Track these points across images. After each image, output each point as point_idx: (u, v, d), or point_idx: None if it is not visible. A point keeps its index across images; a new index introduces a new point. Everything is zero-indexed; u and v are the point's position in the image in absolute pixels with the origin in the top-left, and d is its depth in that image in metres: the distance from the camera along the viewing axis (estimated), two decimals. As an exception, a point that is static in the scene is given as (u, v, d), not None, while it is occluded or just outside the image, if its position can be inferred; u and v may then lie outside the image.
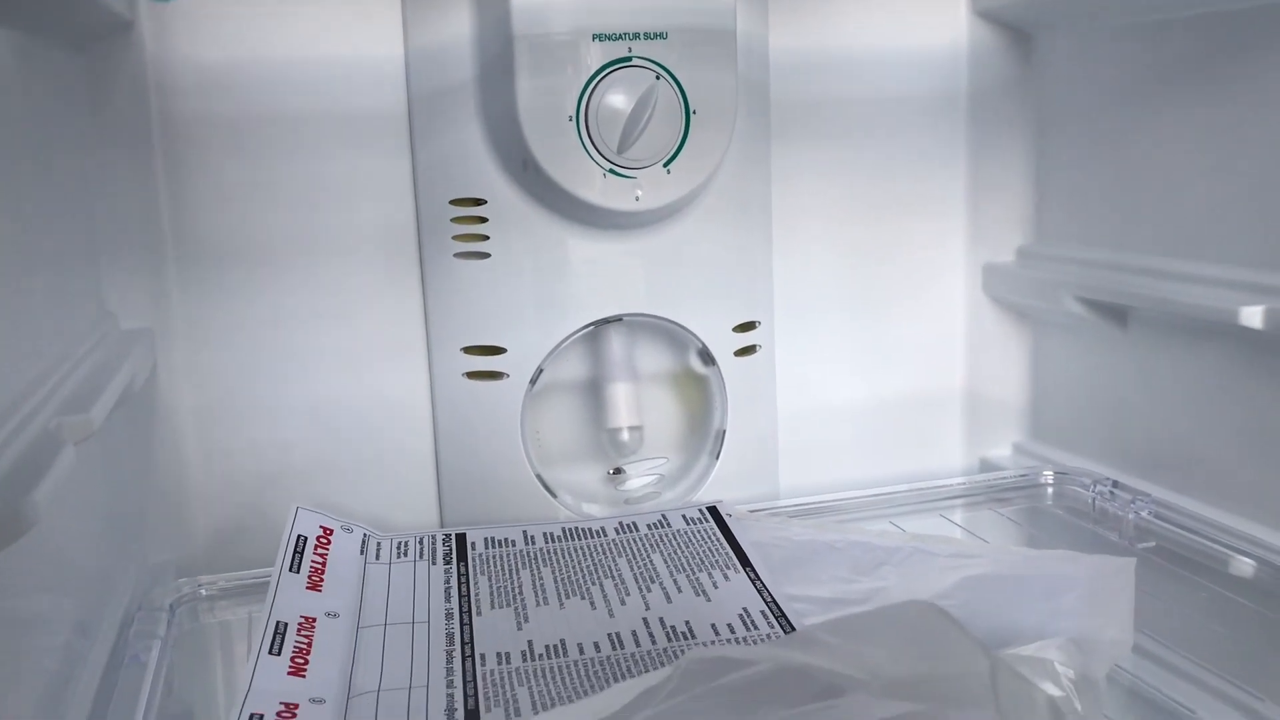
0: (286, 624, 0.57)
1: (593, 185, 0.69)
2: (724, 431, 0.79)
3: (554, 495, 0.76)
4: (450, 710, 0.50)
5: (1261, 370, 0.66)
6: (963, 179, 0.85)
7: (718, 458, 0.79)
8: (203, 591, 0.64)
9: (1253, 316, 0.63)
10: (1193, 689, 0.53)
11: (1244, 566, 0.64)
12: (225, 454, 0.74)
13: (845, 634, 0.38)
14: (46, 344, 0.55)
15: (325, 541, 0.65)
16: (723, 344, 0.77)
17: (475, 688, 0.52)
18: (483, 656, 0.56)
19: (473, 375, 0.74)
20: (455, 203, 0.72)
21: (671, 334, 0.77)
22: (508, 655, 0.56)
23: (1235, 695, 0.53)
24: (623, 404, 0.76)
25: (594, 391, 0.77)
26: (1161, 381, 0.74)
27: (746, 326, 0.78)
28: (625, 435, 0.76)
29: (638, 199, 0.69)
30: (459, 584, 0.63)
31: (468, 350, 0.74)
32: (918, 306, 0.86)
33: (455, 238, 0.72)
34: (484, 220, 0.71)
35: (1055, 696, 0.35)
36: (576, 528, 0.70)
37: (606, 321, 0.74)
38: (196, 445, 0.73)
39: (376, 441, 0.76)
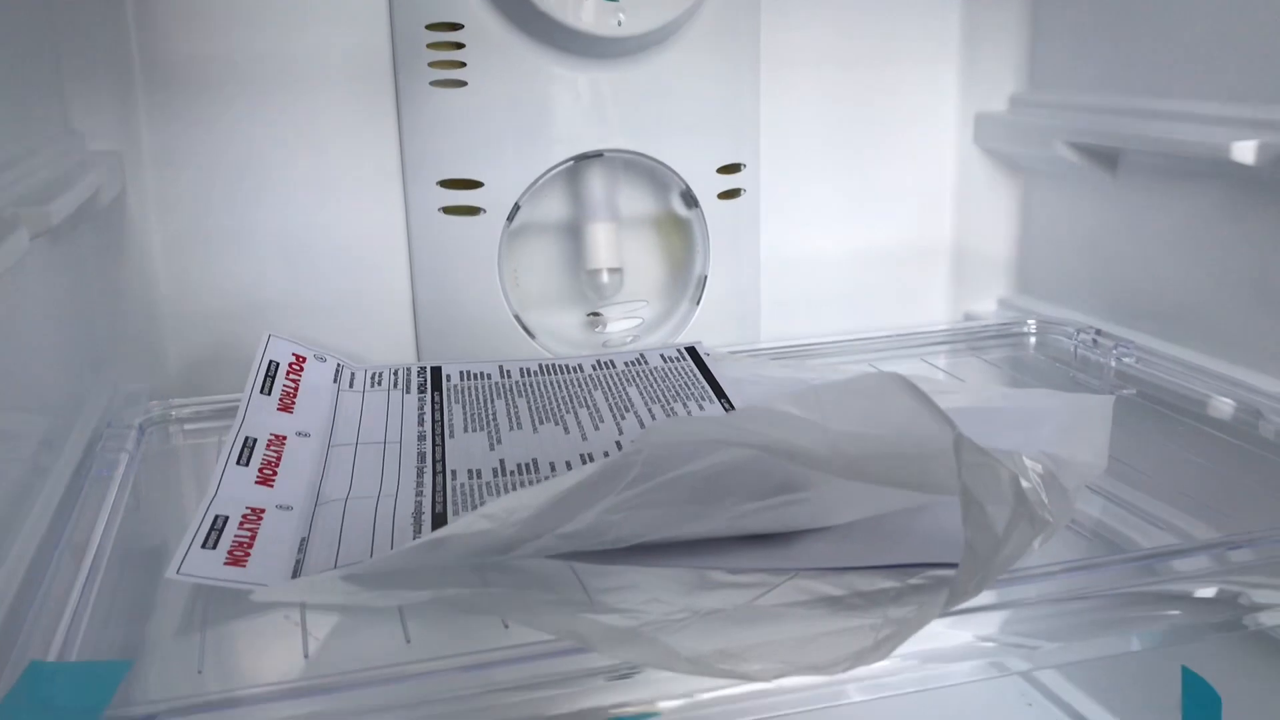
0: (255, 439, 0.56)
1: (574, 8, 0.67)
2: (705, 277, 0.77)
3: (533, 337, 0.75)
4: (417, 514, 0.50)
5: (1252, 211, 0.65)
6: (957, 21, 0.83)
7: (698, 304, 0.78)
8: (173, 413, 0.63)
9: (1245, 152, 0.62)
10: (1162, 513, 0.53)
11: (1224, 407, 0.64)
12: (196, 286, 0.73)
13: (810, 406, 0.37)
14: (4, 150, 0.53)
15: (298, 368, 0.64)
16: (706, 186, 0.75)
17: (444, 496, 0.52)
18: (453, 472, 0.55)
19: (449, 210, 0.72)
20: (432, 28, 0.70)
21: (654, 173, 0.75)
22: (479, 471, 0.55)
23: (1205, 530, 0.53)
24: (603, 245, 0.75)
25: (574, 233, 0.76)
26: (1150, 228, 0.72)
27: (731, 169, 0.76)
28: (605, 277, 0.75)
29: (620, 23, 0.67)
30: (432, 411, 0.63)
31: (444, 184, 0.72)
32: (907, 156, 0.85)
33: (432, 65, 0.70)
34: (461, 46, 0.69)
35: (1020, 478, 0.34)
36: (553, 364, 0.69)
37: (587, 157, 0.72)
38: (167, 275, 0.72)
39: (351, 277, 0.75)
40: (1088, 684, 0.78)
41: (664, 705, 0.38)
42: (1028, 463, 0.39)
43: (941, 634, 0.40)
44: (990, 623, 0.41)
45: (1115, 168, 0.74)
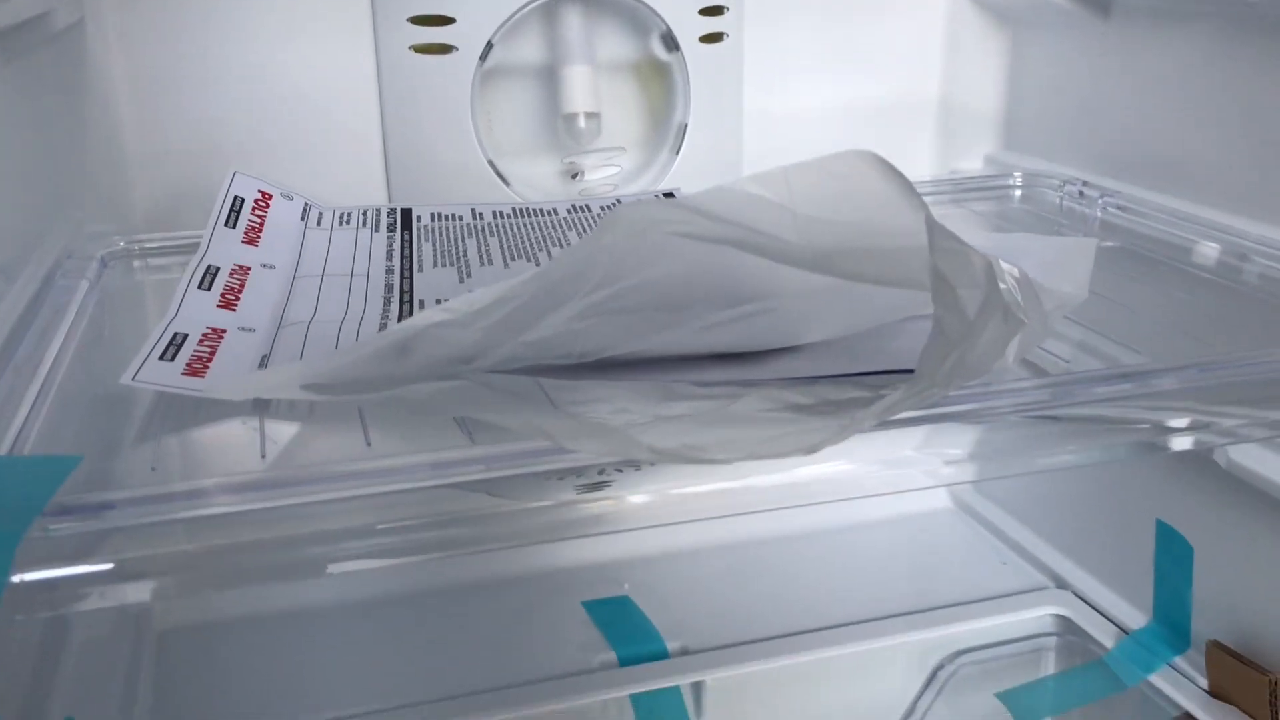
0: (219, 268, 0.55)
1: None
2: (686, 125, 0.76)
3: (507, 184, 0.73)
4: (382, 334, 0.49)
5: (1248, 53, 0.63)
6: None
7: (678, 154, 0.76)
8: (137, 248, 0.62)
9: (1243, -15, 0.60)
10: (1139, 343, 0.52)
11: (1209, 251, 0.62)
12: (161, 124, 0.70)
13: (778, 187, 0.36)
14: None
15: (263, 205, 0.63)
16: (688, 27, 0.73)
17: (410, 320, 0.51)
18: (421, 302, 0.54)
19: (420, 49, 0.70)
20: None
21: (633, 13, 0.73)
22: (447, 301, 0.54)
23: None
24: (579, 88, 0.72)
25: (549, 76, 0.74)
26: (1143, 74, 0.70)
27: (714, 10, 0.74)
28: (582, 122, 0.73)
29: None
30: (401, 248, 0.61)
31: (414, 20, 0.70)
32: (894, 8, 0.82)
33: (402, -109, 0.67)
34: None
35: (994, 266, 0.33)
36: (527, 207, 0.67)
37: (563, -7, 0.70)
38: (131, 113, 0.70)
39: (319, 118, 0.72)
40: (1063, 543, 0.79)
41: (632, 500, 0.37)
42: (1004, 265, 0.38)
43: (906, 437, 0.39)
44: (955, 433, 0.41)
45: (1109, 12, 0.72)
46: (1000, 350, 0.37)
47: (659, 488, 0.38)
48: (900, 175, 0.36)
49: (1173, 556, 0.68)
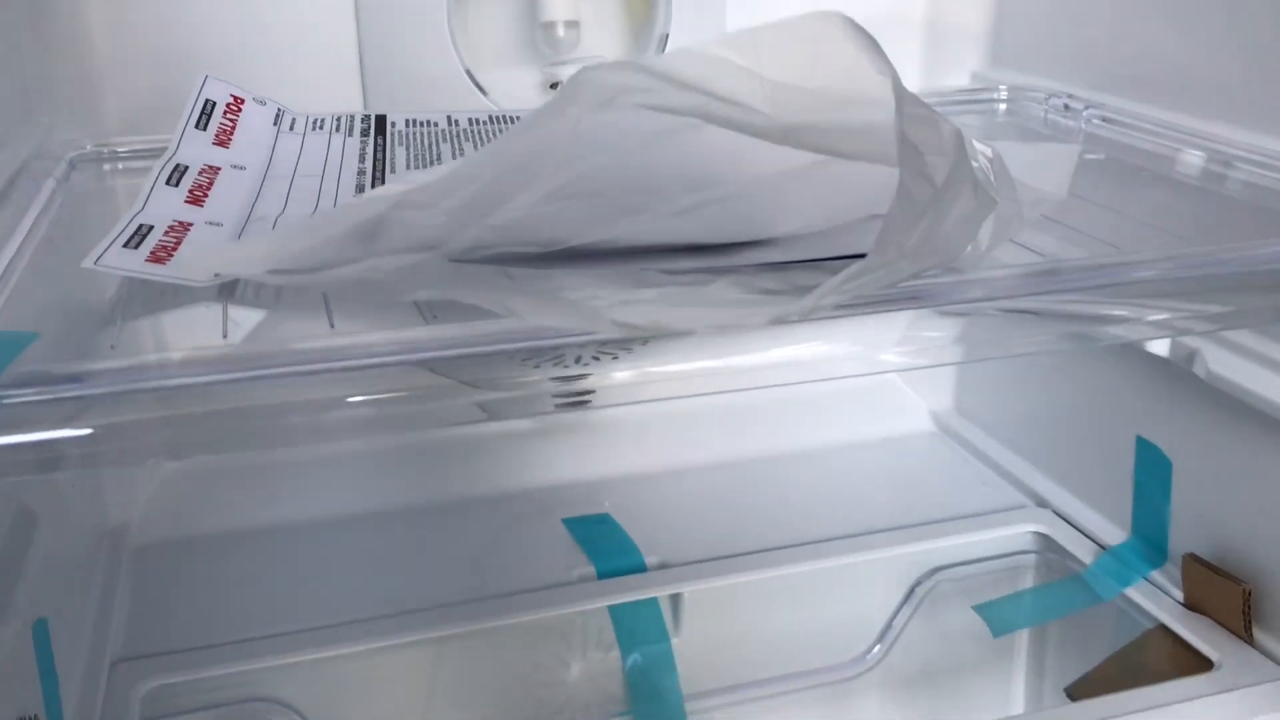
0: (188, 166, 0.54)
1: None
2: (667, 36, 0.74)
3: (485, 94, 0.72)
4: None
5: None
6: None
7: (660, 67, 0.75)
8: (106, 151, 0.61)
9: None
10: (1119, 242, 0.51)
11: (1194, 160, 0.62)
12: (133, 30, 0.69)
13: (745, 49, 0.35)
14: None
15: (235, 109, 0.62)
16: (669, -65, 0.72)
17: (380, 215, 0.50)
18: (390, 196, 0.53)
19: (396, -48, 0.69)
20: None
21: (613, -80, 0.71)
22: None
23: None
24: (559, -6, 0.71)
25: (529, -16, 0.73)
26: (1129, -15, 0.69)
27: (695, -81, 0.73)
28: (560, 31, 0.72)
29: None
30: (375, 152, 0.60)
31: (390, -79, 0.68)
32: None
33: None
34: None
35: (963, 137, 0.32)
36: (505, 115, 0.66)
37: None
38: (101, 17, 0.69)
39: (294, 25, 0.71)
40: (1044, 463, 0.79)
41: (600, 384, 0.37)
42: (977, 145, 0.37)
43: (874, 322, 0.39)
44: (927, 319, 0.40)
45: (1097, -79, 0.70)
46: (972, 232, 0.37)
47: (637, 368, 0.37)
48: (869, 38, 0.35)
49: (1152, 472, 0.68)
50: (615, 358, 0.40)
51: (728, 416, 0.87)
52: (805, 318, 0.33)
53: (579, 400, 0.83)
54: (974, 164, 0.35)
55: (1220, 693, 0.58)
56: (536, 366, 0.40)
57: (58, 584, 0.57)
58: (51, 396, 0.32)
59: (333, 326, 0.39)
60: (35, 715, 0.49)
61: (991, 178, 0.35)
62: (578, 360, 0.40)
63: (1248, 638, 0.62)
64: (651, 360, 0.38)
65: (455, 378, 0.36)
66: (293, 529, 0.75)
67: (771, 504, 0.78)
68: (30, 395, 0.32)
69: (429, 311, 0.39)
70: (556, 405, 0.84)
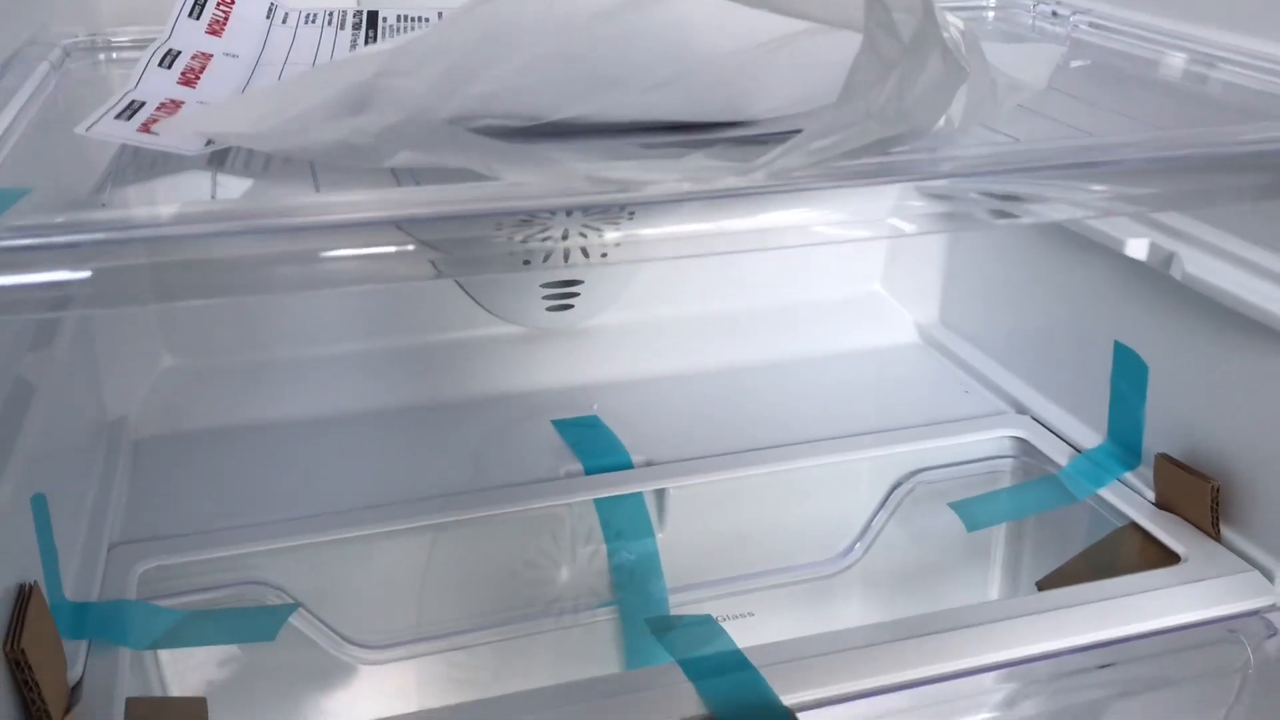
0: (181, 51, 0.55)
1: None
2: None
3: None
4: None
5: None
6: None
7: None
8: (101, 40, 0.62)
9: None
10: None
11: (1175, 61, 0.62)
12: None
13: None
14: None
15: (229, 1, 0.62)
16: None
17: (368, 97, 0.51)
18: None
19: None
20: None
21: None
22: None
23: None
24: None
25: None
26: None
27: None
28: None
29: None
30: (365, 44, 0.61)
31: None
32: None
33: None
34: None
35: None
36: (496, 13, 0.67)
37: None
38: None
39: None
40: (1024, 372, 0.80)
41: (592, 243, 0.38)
42: (950, 18, 0.38)
43: (849, 195, 0.40)
44: (899, 192, 0.41)
45: None
46: (943, 102, 0.38)
47: (625, 234, 0.38)
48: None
49: (1129, 376, 0.70)
50: (600, 232, 0.41)
51: (716, 327, 0.88)
52: (773, 176, 0.34)
53: (566, 299, 0.85)
54: (944, 33, 0.36)
55: (1185, 584, 0.60)
56: (503, 230, 0.39)
57: (56, 468, 0.58)
58: (54, 241, 0.33)
59: (318, 190, 0.40)
60: (35, 582, 0.50)
61: (963, 49, 0.36)
62: (564, 237, 0.40)
63: (1215, 534, 0.63)
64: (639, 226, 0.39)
65: (434, 240, 0.37)
66: (289, 426, 0.77)
67: (756, 409, 0.80)
68: (33, 240, 0.33)
69: (410, 180, 0.40)
70: (547, 307, 0.85)
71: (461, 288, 0.82)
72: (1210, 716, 0.62)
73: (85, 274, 0.33)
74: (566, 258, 0.81)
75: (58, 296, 0.33)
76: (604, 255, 0.76)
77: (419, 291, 0.81)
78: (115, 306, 0.35)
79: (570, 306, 0.84)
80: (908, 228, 0.41)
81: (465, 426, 0.78)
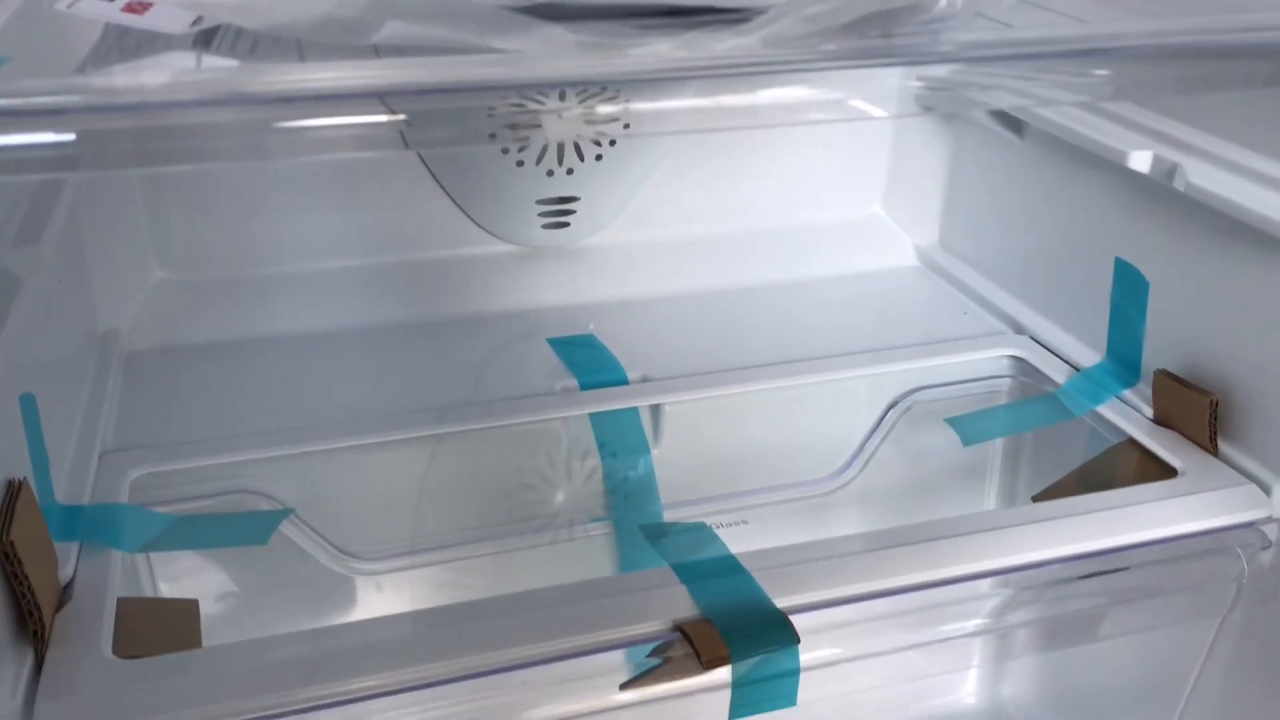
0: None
1: None
2: None
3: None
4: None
5: None
6: None
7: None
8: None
9: None
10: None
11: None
12: None
13: None
14: None
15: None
16: None
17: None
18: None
19: None
20: None
21: None
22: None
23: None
24: None
25: None
26: None
27: None
28: None
29: None
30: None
31: None
32: None
33: None
34: None
35: None
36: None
37: None
38: None
39: None
40: (1024, 293, 0.80)
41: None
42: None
43: (849, 75, 0.39)
44: (901, 74, 0.40)
45: None
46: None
47: (620, 108, 0.37)
48: None
49: (1129, 293, 0.69)
50: (595, 109, 0.40)
51: (714, 249, 0.87)
52: (770, 42, 0.33)
53: (562, 216, 0.84)
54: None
55: (1181, 496, 0.60)
56: (492, 115, 0.39)
57: (47, 377, 0.58)
58: (38, 104, 0.32)
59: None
60: (24, 478, 0.50)
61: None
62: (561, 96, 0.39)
63: (1212, 449, 0.63)
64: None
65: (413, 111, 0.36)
66: (284, 341, 0.76)
67: (753, 330, 0.79)
68: (18, 103, 0.32)
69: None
70: (543, 225, 0.84)
71: (456, 204, 0.81)
72: (1205, 626, 0.63)
73: (69, 136, 0.32)
74: (560, 155, 0.80)
75: (43, 158, 0.32)
76: (599, 152, 0.75)
77: (413, 207, 0.81)
78: (98, 169, 0.34)
79: (566, 225, 0.83)
80: (905, 108, 0.40)
81: (460, 344, 0.77)
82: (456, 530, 0.71)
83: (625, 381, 0.72)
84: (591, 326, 0.79)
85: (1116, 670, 0.74)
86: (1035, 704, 0.82)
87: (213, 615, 0.67)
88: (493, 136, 0.75)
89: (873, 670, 0.55)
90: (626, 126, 0.69)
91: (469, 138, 0.36)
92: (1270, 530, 0.59)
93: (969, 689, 0.85)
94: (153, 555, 0.65)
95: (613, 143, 0.80)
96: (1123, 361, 0.70)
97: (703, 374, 0.72)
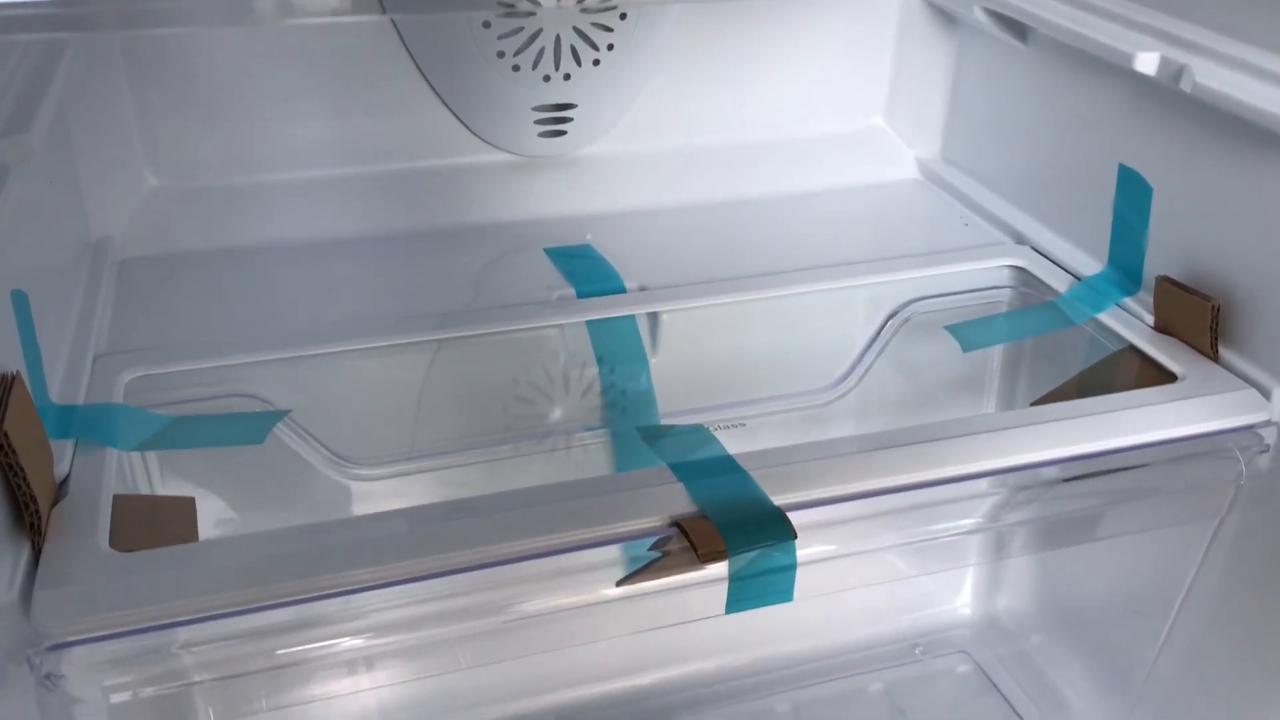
0: None
1: None
2: None
3: None
4: None
5: None
6: None
7: None
8: None
9: None
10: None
11: None
12: None
13: None
14: None
15: None
16: None
17: None
18: None
19: None
20: None
21: None
22: None
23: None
24: None
25: None
26: None
27: None
28: None
29: None
30: None
31: None
32: None
33: None
34: None
35: None
36: None
37: None
38: None
39: None
40: (1026, 203, 0.79)
41: None
42: None
43: None
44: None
45: None
46: None
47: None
48: None
49: (1132, 199, 0.68)
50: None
51: (713, 159, 0.86)
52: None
53: (558, 124, 0.83)
54: None
55: (1180, 400, 0.60)
56: None
57: (39, 282, 0.57)
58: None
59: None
60: (17, 371, 0.50)
61: None
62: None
63: (1213, 355, 0.63)
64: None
65: None
66: (278, 250, 0.76)
67: (752, 241, 0.79)
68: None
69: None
70: (539, 133, 0.83)
71: (452, 111, 0.80)
72: (1200, 532, 0.63)
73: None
74: (557, 59, 0.78)
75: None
76: (596, 56, 0.73)
77: (409, 115, 0.79)
78: (81, 30, 0.33)
79: (563, 133, 0.82)
80: None
81: (456, 255, 0.76)
82: (453, 438, 0.71)
83: (623, 290, 0.72)
84: (589, 237, 0.78)
85: (1111, 580, 0.74)
86: (1029, 615, 0.83)
87: (209, 522, 0.67)
88: (486, 25, 0.74)
89: (869, 572, 0.55)
90: (624, 17, 0.68)
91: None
92: (1269, 434, 0.59)
93: (964, 600, 0.86)
94: (150, 464, 0.65)
95: (610, 47, 0.78)
96: (1124, 269, 0.69)
97: (701, 283, 0.72)
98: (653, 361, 0.71)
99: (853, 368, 0.76)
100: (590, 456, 0.72)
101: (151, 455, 0.64)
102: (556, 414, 0.72)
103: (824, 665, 0.81)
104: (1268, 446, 0.58)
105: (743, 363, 0.74)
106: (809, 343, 0.75)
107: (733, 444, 0.56)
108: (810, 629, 0.82)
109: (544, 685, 0.78)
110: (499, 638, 0.50)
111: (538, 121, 0.81)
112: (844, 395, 0.76)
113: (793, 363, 0.75)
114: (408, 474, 0.69)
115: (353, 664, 0.48)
